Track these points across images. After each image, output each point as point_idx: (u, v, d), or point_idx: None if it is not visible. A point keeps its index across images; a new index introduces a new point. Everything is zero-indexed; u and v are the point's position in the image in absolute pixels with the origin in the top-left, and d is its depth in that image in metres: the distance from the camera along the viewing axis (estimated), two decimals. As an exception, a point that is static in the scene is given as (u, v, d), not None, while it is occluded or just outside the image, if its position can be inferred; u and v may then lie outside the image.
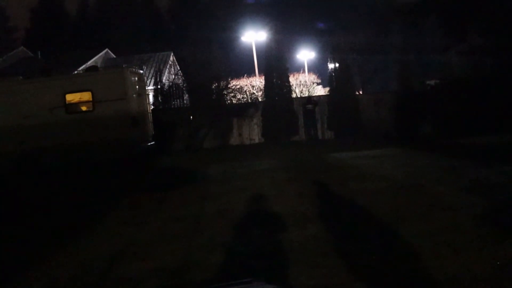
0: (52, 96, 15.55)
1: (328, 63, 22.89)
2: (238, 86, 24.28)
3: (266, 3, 44.36)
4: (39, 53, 36.40)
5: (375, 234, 6.43)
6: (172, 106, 22.52)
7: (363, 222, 7.13)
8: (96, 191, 12.49)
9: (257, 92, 25.42)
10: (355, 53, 26.74)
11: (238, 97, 23.59)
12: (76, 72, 24.51)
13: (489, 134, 16.08)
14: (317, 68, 37.43)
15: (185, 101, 23.25)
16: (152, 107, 20.47)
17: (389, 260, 5.43)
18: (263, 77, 23.95)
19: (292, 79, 25.72)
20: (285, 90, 22.23)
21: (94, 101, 15.54)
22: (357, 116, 21.46)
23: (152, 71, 30.78)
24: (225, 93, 22.52)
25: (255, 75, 30.33)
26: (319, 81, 32.71)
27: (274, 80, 22.12)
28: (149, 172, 15.66)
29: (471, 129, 17.17)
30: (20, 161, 15.51)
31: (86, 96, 15.74)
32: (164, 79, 24.91)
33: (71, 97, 15.78)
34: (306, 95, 25.59)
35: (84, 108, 15.88)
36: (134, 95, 15.89)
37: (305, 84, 29.13)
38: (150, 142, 16.84)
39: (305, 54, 42.86)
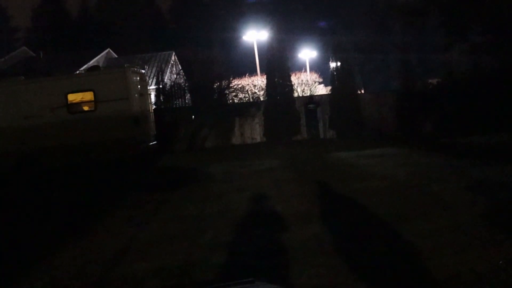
0: (54, 96, 15.55)
1: (330, 62, 22.87)
2: (239, 86, 24.26)
3: (267, 3, 44.30)
4: (40, 53, 36.40)
5: (376, 234, 6.44)
6: (174, 106, 22.53)
7: (365, 221, 7.14)
8: (97, 191, 12.51)
9: (258, 91, 25.39)
10: (356, 52, 26.70)
11: (239, 96, 23.58)
12: (78, 72, 24.52)
13: (491, 133, 16.06)
14: (319, 67, 37.36)
15: (186, 101, 23.27)
16: (154, 106, 20.47)
17: (391, 259, 5.44)
18: (264, 77, 23.94)
19: (294, 78, 25.69)
20: (287, 89, 22.23)
21: (96, 101, 15.53)
22: (359, 115, 21.44)
23: (153, 71, 30.78)
24: (227, 92, 22.53)
25: (256, 75, 30.28)
26: (320, 80, 32.66)
27: (276, 79, 22.11)
28: (151, 172, 15.67)
29: (473, 128, 17.14)
30: (22, 161, 15.52)
31: (88, 96, 15.73)
32: (165, 79, 24.93)
33: (73, 97, 15.78)
34: (308, 94, 25.55)
35: (86, 108, 15.88)
36: (136, 95, 15.89)
37: (307, 83, 29.07)
38: (152, 142, 16.84)
39: (307, 53, 42.79)
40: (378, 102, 21.86)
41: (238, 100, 23.32)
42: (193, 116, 21.68)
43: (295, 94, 23.78)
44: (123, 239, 7.36)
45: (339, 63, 22.10)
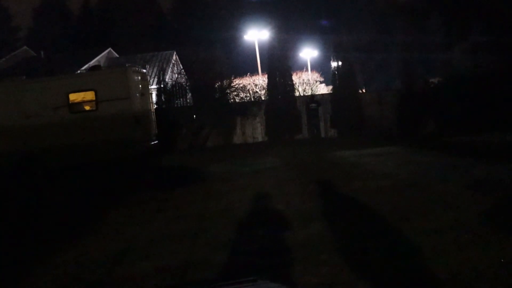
0: (55, 95, 15.56)
1: (331, 62, 22.87)
2: (241, 85, 24.27)
3: (268, 2, 44.30)
4: (42, 53, 36.47)
5: (378, 232, 6.43)
6: (175, 105, 22.54)
7: (367, 220, 7.14)
8: (99, 190, 12.51)
9: (260, 90, 25.39)
10: (357, 51, 26.67)
11: (241, 96, 23.58)
12: (79, 71, 24.53)
13: (493, 132, 16.05)
14: (320, 67, 37.42)
15: (188, 100, 23.27)
16: (155, 106, 20.48)
17: (393, 257, 5.43)
18: (266, 76, 23.95)
19: (295, 78, 25.70)
20: (288, 88, 22.23)
21: (98, 101, 15.53)
22: (360, 114, 21.43)
23: (155, 70, 30.79)
24: (228, 92, 22.53)
25: (258, 74, 30.32)
26: (322, 79, 32.70)
27: (277, 78, 22.12)
28: (152, 171, 15.68)
29: (474, 127, 17.13)
30: (23, 160, 15.53)
31: (90, 95, 15.73)
32: (167, 78, 24.94)
33: (74, 97, 15.78)
34: (309, 93, 25.56)
35: (87, 108, 15.88)
36: (137, 95, 15.89)
37: (308, 82, 29.10)
38: (153, 141, 16.84)
39: (308, 53, 42.82)
40: (379, 101, 21.86)
41: (240, 100, 23.33)
42: (194, 116, 21.68)
43: (296, 94, 23.80)
44: (124, 238, 7.37)
45: (340, 63, 22.10)
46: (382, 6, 33.03)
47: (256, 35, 33.69)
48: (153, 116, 17.56)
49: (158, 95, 22.32)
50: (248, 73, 29.50)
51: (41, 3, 54.88)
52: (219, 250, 6.22)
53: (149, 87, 18.28)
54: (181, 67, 27.80)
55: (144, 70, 18.21)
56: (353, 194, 8.90)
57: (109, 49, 37.46)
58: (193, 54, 24.75)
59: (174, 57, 34.24)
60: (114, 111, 15.29)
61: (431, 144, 16.11)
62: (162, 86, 22.74)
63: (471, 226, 6.19)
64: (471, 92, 18.57)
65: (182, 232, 7.31)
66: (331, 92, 23.06)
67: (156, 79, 27.06)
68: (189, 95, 23.22)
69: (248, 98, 23.86)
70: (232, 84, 22.81)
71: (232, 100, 22.80)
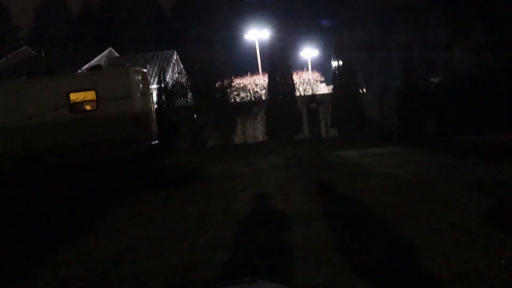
0: (56, 95, 15.58)
1: (332, 61, 22.87)
2: (241, 85, 24.28)
3: (269, 2, 44.30)
4: (42, 52, 36.44)
5: (379, 232, 6.43)
6: (176, 105, 22.54)
7: (367, 220, 7.13)
8: (100, 190, 12.51)
9: (260, 90, 25.37)
10: (358, 51, 26.69)
11: (241, 95, 23.58)
12: (80, 71, 24.54)
13: (494, 132, 16.04)
14: (321, 66, 37.41)
15: (188, 100, 23.28)
16: (156, 106, 20.48)
17: (393, 258, 5.43)
18: (266, 76, 23.94)
19: (296, 77, 25.67)
20: (288, 88, 22.23)
21: (98, 100, 15.55)
22: (361, 114, 21.43)
23: (155, 70, 30.77)
24: (229, 91, 22.53)
25: (258, 74, 30.30)
26: (322, 79, 32.67)
27: (278, 78, 22.11)
28: (153, 170, 15.68)
29: (476, 127, 17.12)
30: (24, 160, 15.54)
31: (90, 95, 15.76)
32: (167, 78, 24.93)
33: (75, 96, 15.80)
34: (310, 93, 25.54)
35: (88, 107, 15.90)
36: (138, 94, 15.91)
37: (309, 82, 29.05)
38: (154, 141, 16.86)
39: (309, 52, 42.79)
40: (380, 101, 21.85)
41: (240, 99, 23.33)
42: (195, 115, 21.69)
43: (297, 93, 23.78)
44: (125, 238, 7.37)
45: (341, 62, 22.10)
46: (383, 5, 33.01)
47: (257, 34, 33.67)
48: (154, 116, 17.58)
49: (158, 95, 22.33)
50: (249, 73, 29.47)
51: (42, 2, 54.91)
52: (220, 250, 6.22)
53: (150, 87, 18.30)
54: (182, 67, 27.83)
55: (145, 70, 18.23)
56: (354, 194, 8.89)
57: (110, 48, 37.45)
58: (194, 53, 24.81)
59: (174, 57, 34.23)
60: (114, 110, 15.31)
61: (432, 144, 16.10)
62: (162, 85, 22.74)
63: (472, 227, 6.18)
64: (472, 92, 18.56)
65: (183, 232, 7.31)
66: (331, 91, 23.05)
67: (156, 79, 27.03)
68: (189, 95, 23.23)
69: (248, 97, 23.86)
70: (233, 84, 22.82)
71: (232, 100, 22.81)
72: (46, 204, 11.05)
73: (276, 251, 6.00)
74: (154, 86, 24.57)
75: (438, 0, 22.62)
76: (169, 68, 29.98)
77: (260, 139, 22.19)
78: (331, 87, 23.68)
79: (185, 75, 24.29)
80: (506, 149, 13.22)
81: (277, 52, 22.28)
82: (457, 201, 7.59)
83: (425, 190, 8.75)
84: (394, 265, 5.21)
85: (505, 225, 6.20)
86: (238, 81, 24.07)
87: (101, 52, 35.45)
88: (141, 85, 16.39)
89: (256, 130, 22.35)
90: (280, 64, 22.18)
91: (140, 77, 16.47)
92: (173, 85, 23.09)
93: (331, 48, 24.37)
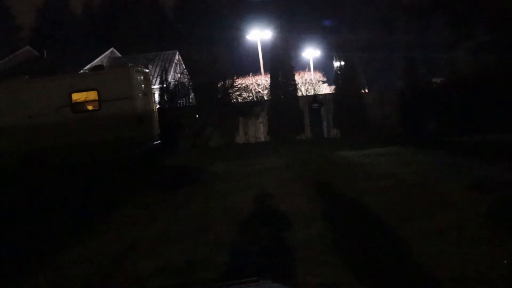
0: (58, 95, 15.57)
1: (334, 61, 22.88)
2: (243, 85, 24.29)
3: (271, 2, 44.27)
4: (44, 53, 36.47)
5: (380, 232, 6.43)
6: (178, 105, 22.56)
7: (369, 220, 7.13)
8: (102, 190, 12.52)
9: (262, 90, 25.41)
10: (360, 51, 26.66)
11: (243, 95, 23.61)
12: (82, 71, 24.56)
13: (495, 132, 16.02)
14: (323, 67, 37.34)
15: (190, 100, 23.29)
16: (157, 106, 20.49)
17: (395, 258, 5.43)
18: (268, 76, 23.96)
19: (298, 78, 25.69)
20: (290, 88, 22.25)
21: (100, 100, 15.55)
22: (363, 114, 21.43)
23: (157, 70, 30.80)
24: (231, 91, 22.55)
25: (260, 74, 30.28)
26: (324, 79, 32.65)
27: (280, 78, 22.13)
28: (155, 171, 15.68)
29: (477, 127, 17.10)
30: (26, 160, 15.55)
31: (92, 95, 15.75)
32: (169, 78, 24.95)
33: (77, 96, 15.80)
34: (312, 93, 25.56)
35: (90, 107, 15.90)
36: (140, 94, 15.90)
37: (311, 82, 29.08)
38: (156, 141, 16.85)
39: (311, 52, 42.75)
40: (382, 101, 21.85)
41: (242, 100, 23.35)
42: (197, 116, 21.70)
43: (299, 93, 23.81)
44: (127, 238, 7.37)
45: (343, 62, 22.11)
46: (385, 5, 33.01)
47: (259, 34, 33.66)
48: (156, 116, 17.57)
49: (160, 95, 22.36)
50: (251, 73, 29.46)
51: (44, 2, 54.95)
52: (221, 250, 6.22)
53: (152, 87, 18.30)
54: (184, 67, 27.84)
55: (147, 70, 18.24)
56: (355, 194, 8.89)
57: (112, 49, 37.45)
58: (196, 54, 24.79)
59: (176, 57, 34.24)
60: (116, 111, 15.30)
61: (433, 144, 16.09)
62: (164, 86, 22.77)
63: (474, 227, 6.18)
64: (474, 92, 18.53)
65: (184, 231, 7.32)
66: (333, 92, 23.06)
67: (158, 79, 27.06)
68: (191, 95, 23.25)
69: (250, 98, 23.89)
70: (235, 84, 22.83)
71: (234, 100, 22.82)
72: (48, 204, 11.05)
73: (277, 251, 6.00)
74: (156, 86, 24.61)
75: (441, 1, 22.58)
76: (171, 68, 30.01)
77: (262, 139, 22.20)
78: (333, 87, 23.68)
79: (187, 75, 24.31)
80: (508, 149, 13.20)
81: (279, 52, 22.29)
82: (459, 201, 7.59)
83: (426, 190, 8.75)
84: (395, 265, 5.21)
85: (507, 225, 6.19)
86: (240, 81, 24.08)
87: (103, 52, 35.45)
88: (143, 85, 16.39)
89: (258, 130, 22.36)
90: (282, 64, 22.20)
91: (142, 77, 16.47)
92: (175, 85, 23.12)
93: (333, 49, 24.38)
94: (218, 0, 51.77)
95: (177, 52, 34.97)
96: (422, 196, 8.24)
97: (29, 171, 15.41)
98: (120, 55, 37.82)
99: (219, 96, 22.00)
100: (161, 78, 24.37)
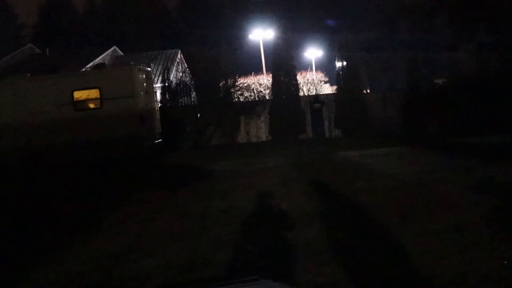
0: (60, 93, 15.61)
1: (336, 62, 22.87)
2: (245, 84, 24.31)
3: (274, 1, 44.26)
4: (47, 50, 36.54)
5: (381, 232, 6.43)
6: (180, 104, 22.57)
7: (370, 220, 7.12)
8: (103, 188, 12.52)
9: (264, 90, 25.43)
10: (362, 51, 26.68)
11: (245, 95, 23.61)
12: (84, 69, 24.58)
13: (498, 133, 16.00)
14: (325, 67, 37.35)
15: (192, 99, 23.31)
16: (159, 104, 20.51)
17: (395, 258, 5.42)
18: (270, 75, 23.97)
19: (300, 77, 25.71)
20: (292, 88, 22.26)
21: (102, 99, 15.57)
22: (365, 115, 21.43)
23: (159, 69, 30.84)
24: (233, 91, 22.56)
25: (262, 73, 30.33)
26: (326, 79, 32.66)
27: (282, 78, 22.14)
28: (156, 169, 15.69)
29: (479, 128, 17.09)
30: (28, 158, 15.57)
31: (94, 93, 15.78)
32: (171, 77, 24.98)
33: (79, 94, 15.83)
34: (314, 93, 25.56)
35: (91, 106, 15.92)
36: (141, 93, 15.92)
37: (313, 82, 29.09)
38: (157, 140, 16.87)
39: (313, 52, 42.79)
40: (384, 101, 21.84)
41: (244, 99, 23.36)
42: (198, 115, 21.71)
43: (301, 93, 23.80)
44: (128, 236, 7.37)
45: (345, 62, 22.11)
46: (387, 5, 32.99)
47: (261, 34, 33.71)
48: (158, 115, 17.61)
49: (162, 94, 22.38)
50: (253, 72, 29.50)
51: (47, 0, 54.98)
52: (222, 248, 6.22)
53: (154, 86, 18.32)
54: (186, 66, 27.86)
55: (149, 69, 18.24)
56: (356, 194, 8.88)
57: (114, 47, 37.50)
58: (198, 53, 24.78)
59: (178, 56, 34.28)
60: (118, 109, 15.33)
61: (435, 145, 16.07)
62: (166, 84, 22.79)
63: (475, 227, 6.17)
64: (476, 93, 18.52)
65: (185, 230, 7.32)
66: (335, 92, 23.06)
67: (160, 78, 27.11)
68: (193, 94, 23.26)
69: (252, 97, 23.89)
70: (237, 83, 22.84)
71: (236, 99, 22.83)
72: (49, 201, 11.06)
73: (278, 250, 6.00)
74: (158, 85, 24.64)
75: (443, 1, 22.56)
76: (173, 67, 30.05)
77: (264, 138, 22.21)
78: (335, 87, 23.68)
79: (189, 74, 24.32)
80: (510, 150, 13.18)
81: (281, 52, 22.30)
82: (460, 202, 7.58)
83: (428, 190, 8.74)
84: (396, 265, 5.20)
85: (508, 226, 6.18)
86: (242, 81, 24.09)
87: (105, 51, 35.50)
88: (145, 84, 16.40)
89: (259, 130, 22.37)
90: (284, 64, 22.21)
91: (144, 76, 16.49)
92: (177, 84, 23.15)
93: (335, 49, 24.38)
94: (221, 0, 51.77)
95: (179, 51, 35.01)
96: (423, 197, 8.23)
97: (30, 169, 15.43)
98: (122, 54, 37.89)
99: (221, 95, 22.01)
100: (163, 76, 24.40)
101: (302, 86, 26.35)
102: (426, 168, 11.30)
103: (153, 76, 21.88)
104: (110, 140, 15.30)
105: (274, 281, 2.75)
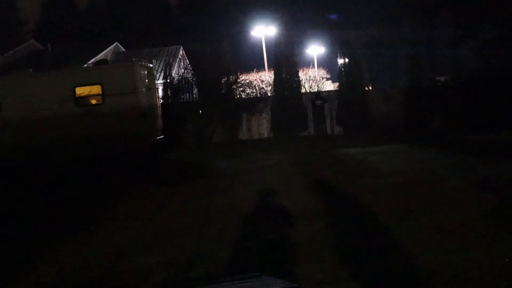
0: (62, 89, 15.58)
1: (338, 58, 22.83)
2: (247, 81, 24.28)
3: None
4: (49, 46, 36.51)
5: (383, 230, 6.42)
6: (182, 100, 22.55)
7: (371, 217, 7.12)
8: (104, 184, 12.53)
9: (266, 87, 25.38)
10: (364, 48, 26.63)
11: (247, 91, 23.58)
12: (86, 65, 24.56)
13: (500, 130, 15.98)
14: (327, 63, 37.33)
15: (194, 95, 23.28)
16: (161, 101, 20.48)
17: (397, 255, 5.42)
18: (272, 72, 23.93)
19: (302, 74, 25.65)
20: (294, 85, 22.23)
21: (104, 95, 15.54)
22: (366, 112, 21.39)
23: (161, 65, 30.76)
24: (235, 87, 22.51)
25: (264, 70, 30.26)
26: (328, 76, 32.60)
27: (284, 75, 22.11)
28: (158, 166, 15.69)
29: (481, 125, 17.06)
30: (30, 154, 15.57)
31: (96, 89, 15.74)
32: (173, 73, 24.93)
33: (80, 91, 15.80)
34: (316, 90, 25.52)
35: (93, 102, 15.90)
36: (143, 89, 15.89)
37: (315, 79, 29.01)
38: (159, 136, 16.85)
39: (315, 49, 42.72)
40: (385, 98, 21.79)
41: (246, 95, 23.33)
42: (200, 111, 21.69)
43: (303, 90, 23.77)
44: (129, 232, 7.38)
45: (347, 59, 22.06)
46: (389, 2, 32.92)
47: (263, 31, 33.67)
48: (159, 111, 17.56)
49: (164, 90, 22.33)
50: (255, 69, 29.44)
51: (49, -4, 54.92)
52: (224, 245, 6.23)
53: (156, 82, 18.29)
54: (188, 62, 27.85)
55: (151, 65, 18.19)
56: (358, 191, 8.88)
57: (116, 43, 37.44)
58: (200, 49, 24.76)
59: (180, 52, 34.23)
60: (120, 105, 15.30)
61: (437, 142, 16.05)
62: (168, 81, 22.76)
63: (477, 225, 6.16)
64: (478, 90, 18.49)
65: (186, 227, 7.32)
66: (337, 89, 23.02)
67: (162, 74, 27.04)
68: (195, 90, 23.24)
69: (254, 94, 23.87)
70: (239, 80, 22.79)
71: (238, 96, 22.79)
72: (50, 198, 11.07)
73: (279, 247, 6.00)
74: (160, 81, 24.60)
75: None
76: (175, 63, 29.98)
77: (265, 135, 22.19)
78: (337, 84, 23.64)
79: (191, 71, 24.30)
80: (512, 148, 13.18)
81: (283, 49, 22.27)
82: (462, 199, 7.57)
83: (430, 188, 8.73)
84: (398, 262, 5.20)
85: (510, 223, 6.18)
86: (244, 77, 24.06)
87: (107, 47, 35.44)
88: (147, 80, 16.38)
89: (261, 127, 22.35)
90: (286, 61, 22.18)
91: (146, 72, 16.46)
92: (178, 81, 23.11)
93: (337, 45, 24.33)
94: (222, -4, 51.69)
95: (181, 48, 34.95)
96: (426, 194, 8.23)
97: (32, 165, 15.43)
98: (124, 50, 37.82)
99: (222, 92, 21.98)
100: (165, 73, 24.35)
101: (304, 83, 26.30)
102: (428, 165, 11.30)
103: (155, 72, 21.86)
104: (111, 136, 15.27)
105: (275, 277, 2.75)
